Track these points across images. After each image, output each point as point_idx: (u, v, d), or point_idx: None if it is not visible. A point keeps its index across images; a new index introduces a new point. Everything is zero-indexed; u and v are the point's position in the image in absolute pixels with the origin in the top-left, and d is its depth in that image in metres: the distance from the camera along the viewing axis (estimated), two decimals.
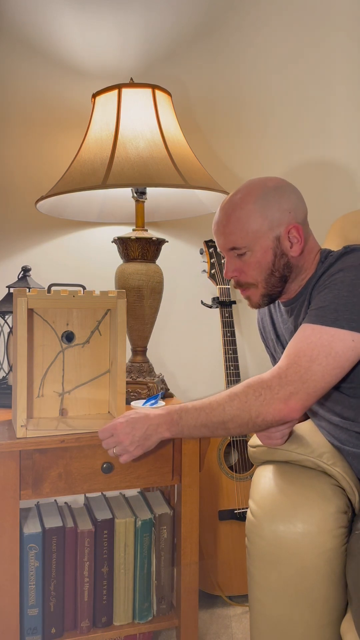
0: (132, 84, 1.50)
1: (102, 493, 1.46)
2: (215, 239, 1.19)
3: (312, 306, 1.08)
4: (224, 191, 1.48)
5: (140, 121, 1.46)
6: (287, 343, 1.23)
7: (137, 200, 1.57)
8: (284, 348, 1.26)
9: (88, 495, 1.51)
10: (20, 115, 1.71)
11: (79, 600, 1.27)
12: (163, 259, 1.79)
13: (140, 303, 1.52)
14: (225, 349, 1.70)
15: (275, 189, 1.15)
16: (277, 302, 1.31)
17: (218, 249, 1.21)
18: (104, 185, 1.35)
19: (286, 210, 1.13)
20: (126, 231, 1.69)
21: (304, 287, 1.18)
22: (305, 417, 1.25)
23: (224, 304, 1.73)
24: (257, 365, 1.92)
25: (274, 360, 1.36)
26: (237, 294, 1.90)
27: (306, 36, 1.93)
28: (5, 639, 1.18)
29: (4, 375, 1.58)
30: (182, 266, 1.86)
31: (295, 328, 1.19)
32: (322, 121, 1.96)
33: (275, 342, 1.30)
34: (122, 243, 1.54)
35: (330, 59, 1.95)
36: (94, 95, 1.55)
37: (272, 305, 1.32)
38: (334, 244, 1.54)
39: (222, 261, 1.79)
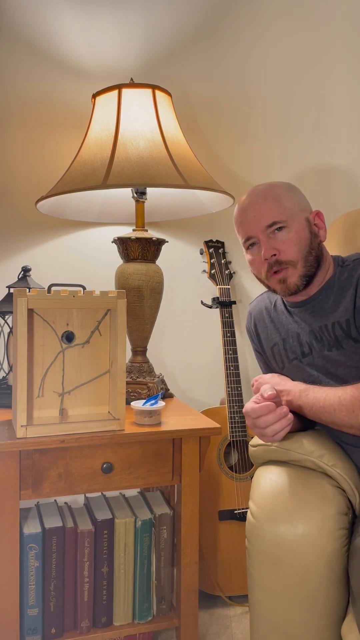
0: (132, 84, 1.50)
1: (102, 493, 1.46)
2: (245, 227, 1.19)
3: None
4: (224, 191, 1.48)
5: (140, 121, 1.46)
6: (300, 344, 1.22)
7: (137, 201, 1.57)
8: (294, 351, 1.23)
9: (88, 495, 1.51)
10: (21, 115, 1.71)
11: (79, 600, 1.27)
12: (163, 259, 1.80)
13: (140, 303, 1.52)
14: (225, 349, 1.70)
15: (290, 184, 1.23)
16: (276, 304, 1.30)
17: (244, 239, 1.19)
18: (104, 185, 1.35)
19: (306, 200, 1.22)
20: (126, 231, 1.69)
21: (322, 288, 1.20)
22: (306, 427, 1.24)
23: (224, 304, 1.73)
24: (257, 365, 1.91)
25: (268, 369, 1.33)
26: (237, 294, 1.90)
27: (308, 36, 1.93)
28: (5, 639, 1.18)
29: (4, 375, 1.58)
30: (182, 266, 1.86)
31: (313, 329, 1.19)
32: (323, 121, 1.96)
33: (282, 346, 1.26)
34: (122, 243, 1.54)
35: (332, 60, 1.95)
36: (94, 96, 1.55)
37: (271, 309, 1.31)
38: (334, 243, 1.54)
39: (222, 261, 1.79)
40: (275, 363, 1.29)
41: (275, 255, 1.15)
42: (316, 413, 1.11)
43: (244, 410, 1.11)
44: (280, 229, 1.15)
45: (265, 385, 1.12)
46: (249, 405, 1.09)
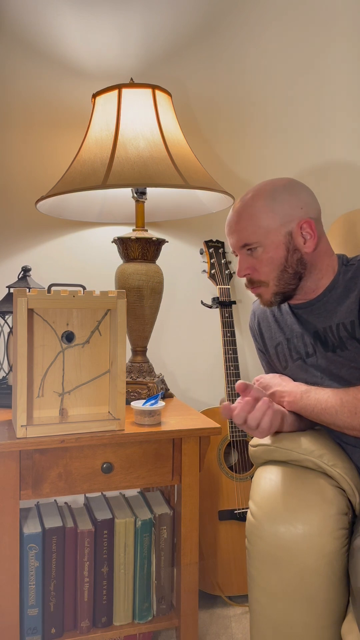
0: (132, 84, 1.50)
1: (102, 493, 1.46)
2: (228, 240, 1.21)
3: None
4: (224, 191, 1.48)
5: (140, 121, 1.46)
6: (304, 344, 1.21)
7: (137, 201, 1.57)
8: (298, 351, 1.23)
9: (88, 495, 1.51)
10: (21, 115, 1.71)
11: (79, 600, 1.27)
12: (163, 259, 1.80)
13: (140, 303, 1.52)
14: (225, 349, 1.70)
15: (285, 187, 1.16)
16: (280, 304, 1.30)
17: (231, 250, 1.22)
18: (104, 185, 1.35)
19: (297, 206, 1.14)
20: (126, 231, 1.69)
21: (326, 289, 1.18)
22: (306, 427, 1.24)
23: (224, 304, 1.73)
24: (257, 365, 1.92)
25: (270, 369, 1.33)
26: (237, 294, 1.90)
27: (307, 37, 1.93)
28: (5, 639, 1.18)
29: (4, 375, 1.58)
30: (182, 266, 1.86)
31: (318, 330, 1.18)
32: (323, 121, 1.96)
33: (286, 346, 1.25)
34: (122, 243, 1.54)
35: (332, 59, 1.95)
36: (94, 96, 1.55)
37: (275, 308, 1.30)
38: (334, 243, 1.54)
39: (222, 261, 1.79)
40: (278, 362, 1.29)
41: (249, 274, 1.18)
42: (318, 415, 1.11)
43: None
44: (254, 248, 1.15)
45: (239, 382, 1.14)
46: (234, 412, 1.09)
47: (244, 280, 1.23)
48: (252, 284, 1.19)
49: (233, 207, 1.20)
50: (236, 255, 1.21)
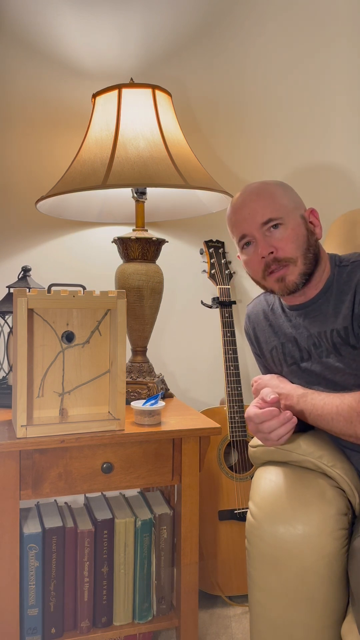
0: (132, 84, 1.50)
1: (102, 493, 1.46)
2: (240, 225, 1.15)
3: None
4: (224, 191, 1.48)
5: (140, 121, 1.46)
6: (299, 349, 1.20)
7: (137, 201, 1.57)
8: (292, 356, 1.22)
9: (88, 495, 1.51)
10: (21, 115, 1.71)
11: (79, 600, 1.27)
12: (163, 259, 1.80)
13: (140, 303, 1.52)
14: (225, 349, 1.70)
15: (283, 182, 1.20)
16: (274, 307, 1.29)
17: (239, 238, 1.16)
18: (104, 185, 1.35)
19: (299, 198, 1.19)
20: (126, 231, 1.69)
21: (321, 290, 1.17)
22: (304, 427, 1.23)
23: (224, 304, 1.73)
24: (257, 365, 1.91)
25: (267, 372, 1.31)
26: (237, 294, 1.90)
27: (307, 37, 1.93)
28: (5, 639, 1.18)
29: (4, 375, 1.58)
30: (182, 266, 1.86)
31: (312, 335, 1.17)
32: (322, 121, 1.95)
33: (280, 351, 1.24)
34: (122, 243, 1.54)
35: (331, 60, 1.95)
36: (94, 96, 1.55)
37: (268, 312, 1.28)
38: (334, 243, 1.54)
39: (222, 261, 1.79)
40: (274, 366, 1.28)
41: (272, 253, 1.12)
42: (314, 420, 1.10)
43: (246, 415, 1.10)
44: (276, 226, 1.12)
45: (266, 389, 1.11)
46: (252, 410, 1.08)
47: (249, 278, 1.17)
48: (277, 263, 1.12)
49: (240, 196, 1.16)
50: (243, 247, 1.16)
